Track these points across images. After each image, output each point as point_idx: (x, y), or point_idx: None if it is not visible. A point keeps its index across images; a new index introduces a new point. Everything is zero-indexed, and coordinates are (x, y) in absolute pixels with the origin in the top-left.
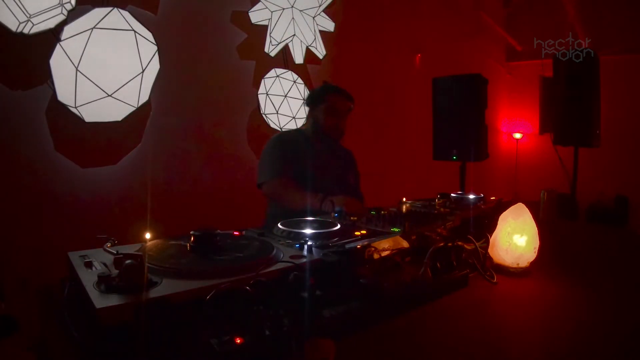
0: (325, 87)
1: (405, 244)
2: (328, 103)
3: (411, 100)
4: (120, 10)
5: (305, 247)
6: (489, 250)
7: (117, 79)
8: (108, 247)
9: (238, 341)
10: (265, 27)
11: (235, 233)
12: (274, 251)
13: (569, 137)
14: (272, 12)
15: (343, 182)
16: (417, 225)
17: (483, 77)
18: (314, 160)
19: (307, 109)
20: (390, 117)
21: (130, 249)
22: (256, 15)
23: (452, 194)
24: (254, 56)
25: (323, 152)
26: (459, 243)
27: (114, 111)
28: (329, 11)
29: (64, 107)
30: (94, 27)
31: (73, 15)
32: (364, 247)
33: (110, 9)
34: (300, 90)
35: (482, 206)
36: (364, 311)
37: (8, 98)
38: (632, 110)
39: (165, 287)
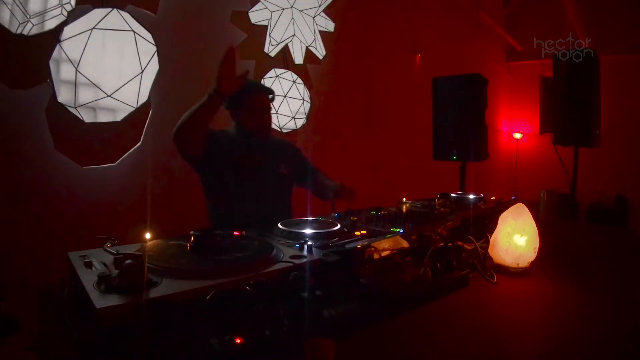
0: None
1: (405, 244)
2: (248, 102)
3: (411, 100)
4: (119, 10)
5: (305, 247)
6: (489, 250)
7: (116, 80)
8: (108, 247)
9: (238, 341)
10: (265, 27)
11: (235, 233)
12: (274, 251)
13: (569, 137)
14: (272, 12)
15: (276, 175)
16: (417, 225)
17: (483, 77)
18: (245, 159)
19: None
20: (390, 117)
21: (130, 249)
22: (256, 15)
23: (452, 194)
24: (254, 56)
25: (250, 152)
26: (459, 243)
27: (114, 111)
28: (329, 11)
29: (63, 107)
30: (94, 28)
31: (73, 15)
32: (364, 247)
33: (109, 9)
34: (299, 91)
35: (482, 206)
36: (364, 311)
37: (8, 98)
38: (632, 110)
39: (165, 287)
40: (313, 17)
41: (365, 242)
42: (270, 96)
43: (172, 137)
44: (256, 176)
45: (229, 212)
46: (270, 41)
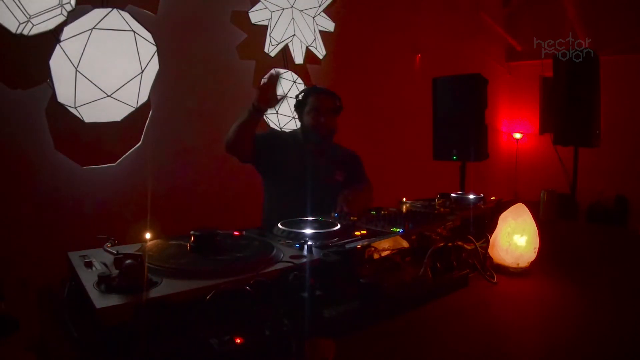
0: (309, 89)
1: (405, 244)
2: (312, 103)
3: (411, 100)
4: (119, 10)
5: (305, 247)
6: (489, 250)
7: (116, 80)
8: (108, 247)
9: (238, 341)
10: (265, 27)
11: (235, 233)
12: (274, 251)
13: (569, 137)
14: (272, 12)
15: (332, 180)
16: (417, 225)
17: (483, 77)
18: (303, 161)
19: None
20: (390, 117)
21: (130, 249)
22: (256, 15)
23: (452, 194)
24: (254, 56)
25: (313, 153)
26: (459, 243)
27: (114, 111)
28: (329, 11)
29: (63, 108)
30: (94, 28)
31: (73, 15)
32: (364, 247)
33: (109, 9)
34: (300, 91)
35: (482, 206)
36: (364, 311)
37: (8, 98)
38: (632, 110)
39: (165, 287)
40: (313, 17)
41: (365, 242)
42: (338, 103)
43: (225, 148)
44: (309, 176)
45: (280, 208)
46: (270, 41)
